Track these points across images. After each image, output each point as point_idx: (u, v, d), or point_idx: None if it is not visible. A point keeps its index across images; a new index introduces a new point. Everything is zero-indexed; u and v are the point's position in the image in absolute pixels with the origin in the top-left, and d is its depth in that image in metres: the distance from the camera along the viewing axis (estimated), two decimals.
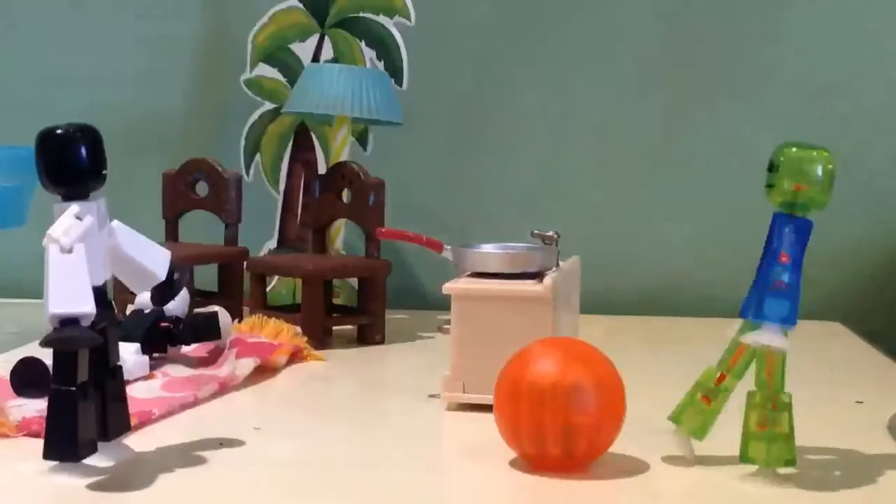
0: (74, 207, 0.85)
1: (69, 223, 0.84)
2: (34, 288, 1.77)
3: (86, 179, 0.86)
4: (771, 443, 0.86)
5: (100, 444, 0.87)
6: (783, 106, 1.73)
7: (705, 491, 0.87)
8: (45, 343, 0.82)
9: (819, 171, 0.87)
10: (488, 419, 1.06)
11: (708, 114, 1.75)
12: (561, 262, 1.16)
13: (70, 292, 0.82)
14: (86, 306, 0.82)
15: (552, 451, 0.86)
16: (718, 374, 0.90)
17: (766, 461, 0.87)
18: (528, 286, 1.08)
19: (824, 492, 0.86)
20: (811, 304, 1.70)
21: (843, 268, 1.73)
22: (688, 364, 1.34)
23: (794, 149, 0.88)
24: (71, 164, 0.86)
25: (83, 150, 0.86)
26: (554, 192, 1.77)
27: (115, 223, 0.89)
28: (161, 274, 0.91)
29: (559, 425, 0.86)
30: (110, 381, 0.89)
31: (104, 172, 0.87)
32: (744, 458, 0.88)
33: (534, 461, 0.89)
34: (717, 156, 1.76)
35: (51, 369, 1.04)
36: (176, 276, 0.94)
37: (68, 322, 0.82)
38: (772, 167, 0.88)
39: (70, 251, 0.83)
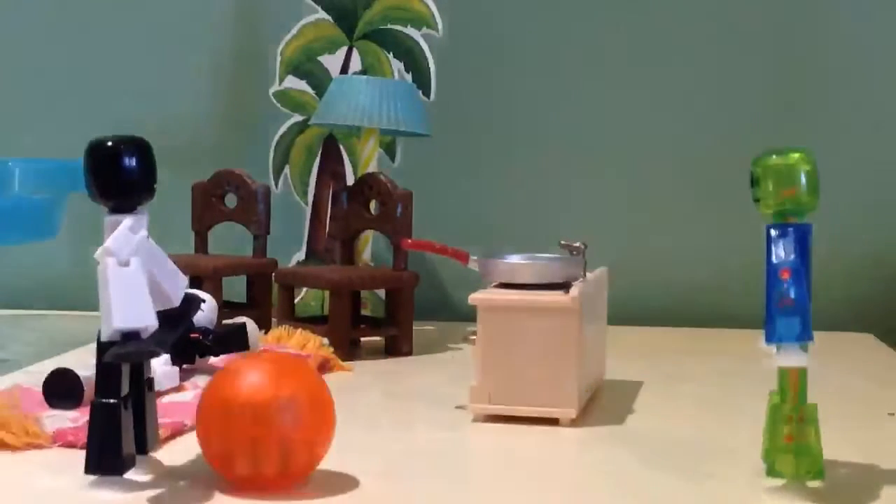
0: (128, 220, 0.85)
1: (125, 236, 0.84)
2: (65, 299, 1.80)
3: (136, 192, 0.86)
4: (799, 455, 0.85)
5: (138, 458, 0.87)
6: (807, 117, 1.72)
7: None
8: (112, 358, 0.82)
9: (801, 173, 0.86)
10: (515, 430, 1.06)
11: (733, 124, 1.74)
12: (588, 273, 1.16)
13: (132, 306, 0.82)
14: (148, 320, 0.83)
15: (267, 469, 0.83)
16: (790, 408, 0.85)
17: (794, 474, 0.86)
18: (555, 297, 1.08)
19: None
20: (843, 316, 1.71)
21: (875, 279, 1.71)
22: (715, 376, 1.33)
23: (773, 156, 0.87)
24: (122, 176, 0.85)
25: (134, 163, 0.85)
26: (582, 203, 1.77)
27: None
28: (176, 300, 0.90)
29: (274, 442, 0.82)
30: (147, 392, 0.90)
31: (154, 186, 0.87)
32: (771, 471, 0.87)
33: (249, 481, 0.85)
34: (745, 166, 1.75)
35: (83, 381, 1.06)
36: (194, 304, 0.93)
37: (129, 335, 0.82)
38: (753, 181, 0.88)
39: (127, 264, 0.83)
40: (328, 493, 0.87)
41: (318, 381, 0.88)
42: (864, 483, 0.90)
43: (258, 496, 0.84)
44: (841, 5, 1.72)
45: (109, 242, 0.84)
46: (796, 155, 0.87)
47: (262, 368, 0.85)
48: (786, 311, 0.84)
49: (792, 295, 0.84)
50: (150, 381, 0.91)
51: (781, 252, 0.85)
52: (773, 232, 0.87)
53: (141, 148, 0.87)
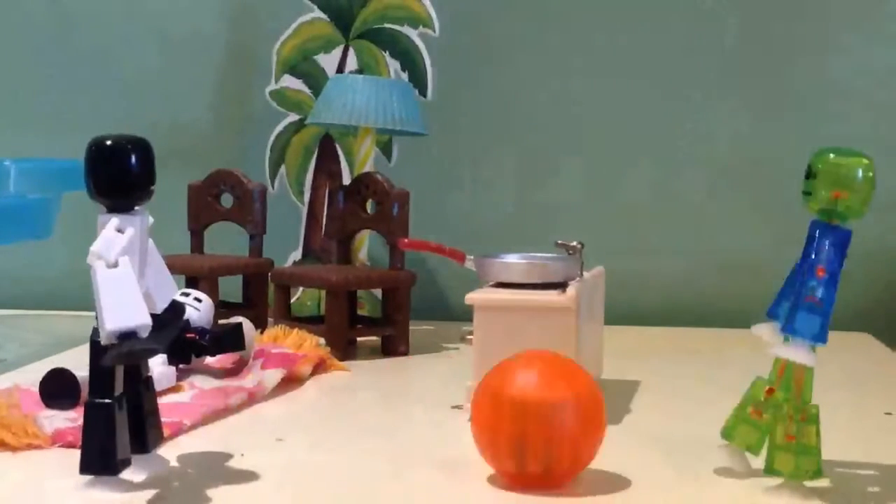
0: (115, 220, 0.84)
1: (111, 237, 0.83)
2: (60, 299, 1.80)
3: (133, 192, 0.85)
4: (799, 455, 0.85)
5: (136, 457, 0.87)
6: (819, 119, 1.72)
7: None
8: (110, 361, 0.82)
9: (859, 178, 0.84)
10: None
11: (733, 124, 1.74)
12: (585, 273, 1.16)
13: (123, 306, 0.81)
14: (141, 318, 0.82)
15: (532, 467, 0.84)
16: (767, 388, 0.88)
17: (793, 474, 0.86)
18: (551, 296, 1.08)
19: None
20: (840, 315, 1.69)
21: (872, 278, 1.71)
22: (712, 375, 1.33)
23: (832, 155, 0.85)
24: (119, 176, 0.84)
25: (133, 163, 0.85)
26: (579, 202, 1.77)
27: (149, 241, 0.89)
28: (159, 307, 0.89)
29: (541, 441, 0.84)
30: (145, 391, 0.89)
31: (152, 188, 0.86)
32: (770, 470, 0.87)
33: (513, 478, 0.87)
34: (745, 167, 1.75)
35: (80, 380, 1.06)
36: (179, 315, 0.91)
37: (125, 336, 0.81)
38: (809, 174, 0.86)
39: (115, 265, 0.82)
40: (324, 493, 0.87)
41: (593, 382, 0.89)
42: (862, 482, 0.90)
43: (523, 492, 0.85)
44: None
45: (95, 246, 0.83)
46: (860, 160, 0.85)
47: (540, 370, 0.87)
48: (811, 307, 0.84)
49: (819, 295, 0.84)
50: (149, 380, 0.90)
51: (822, 250, 0.85)
52: (817, 229, 0.86)
53: (141, 148, 0.86)
